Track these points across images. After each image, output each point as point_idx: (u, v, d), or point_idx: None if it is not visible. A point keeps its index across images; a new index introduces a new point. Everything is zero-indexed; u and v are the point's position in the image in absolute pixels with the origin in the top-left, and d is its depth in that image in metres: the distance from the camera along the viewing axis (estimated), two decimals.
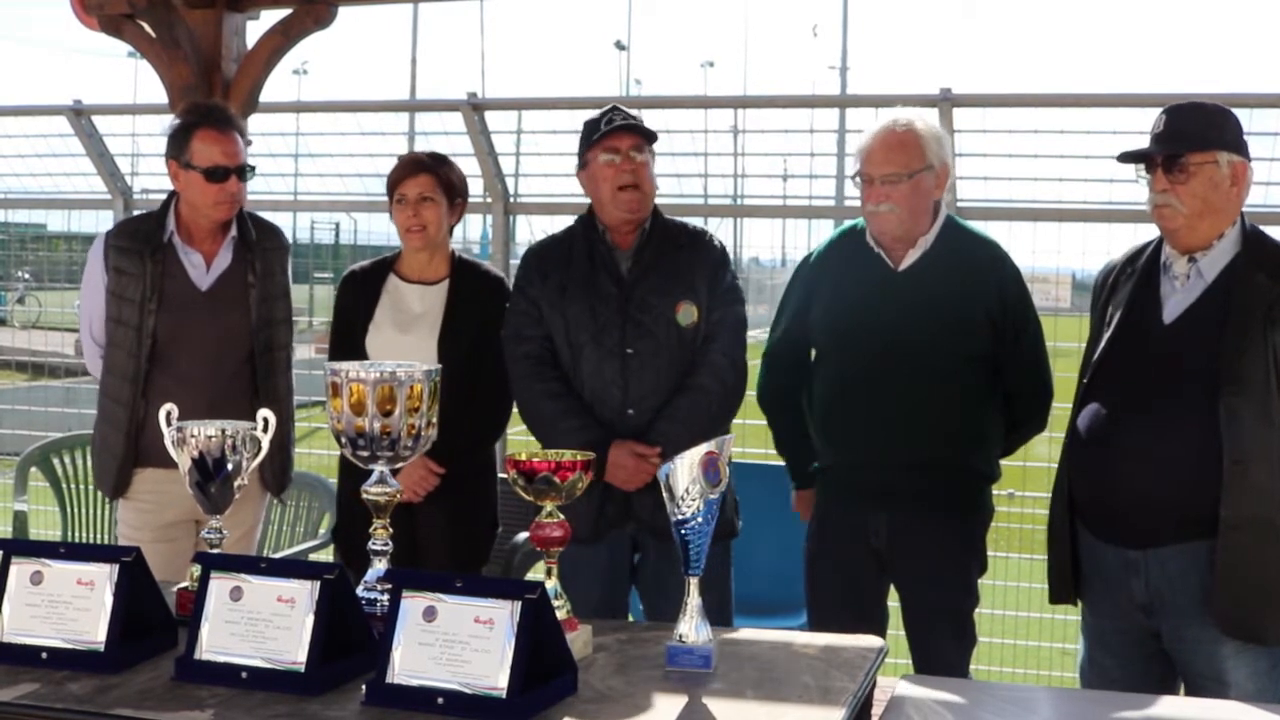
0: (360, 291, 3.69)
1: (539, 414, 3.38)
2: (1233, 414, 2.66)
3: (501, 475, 3.48)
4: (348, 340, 3.65)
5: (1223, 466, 2.66)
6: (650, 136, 3.39)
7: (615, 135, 3.35)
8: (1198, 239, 2.80)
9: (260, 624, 2.19)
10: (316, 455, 6.92)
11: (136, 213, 4.72)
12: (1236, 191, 2.80)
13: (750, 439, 5.42)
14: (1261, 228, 2.90)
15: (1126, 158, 2.87)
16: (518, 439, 5.22)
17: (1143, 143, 2.85)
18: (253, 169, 3.64)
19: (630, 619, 3.60)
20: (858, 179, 3.28)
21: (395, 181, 3.65)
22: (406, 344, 3.57)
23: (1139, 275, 2.90)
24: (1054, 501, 2.99)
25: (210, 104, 3.89)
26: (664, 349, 3.32)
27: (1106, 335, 2.90)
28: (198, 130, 3.55)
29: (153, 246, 3.57)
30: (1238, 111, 2.89)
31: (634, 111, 3.47)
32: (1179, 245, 2.82)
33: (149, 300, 3.53)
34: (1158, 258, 2.89)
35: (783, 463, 3.57)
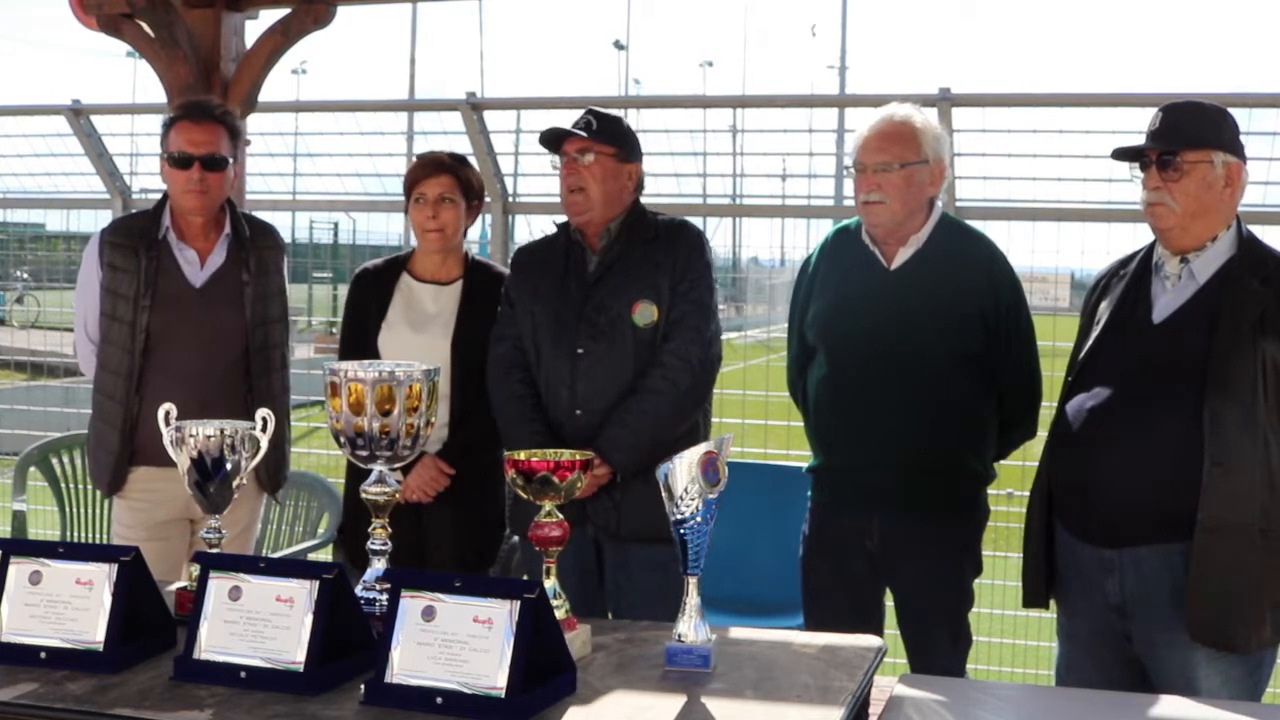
0: (373, 290, 3.69)
1: (502, 416, 3.41)
2: (1217, 417, 2.64)
3: None
4: (359, 338, 3.65)
5: (1203, 469, 2.64)
6: (597, 139, 3.32)
7: (565, 140, 3.35)
8: (1190, 239, 2.79)
9: (259, 624, 2.19)
10: (316, 455, 6.93)
11: (134, 210, 4.72)
12: (1230, 193, 2.78)
13: (750, 439, 5.43)
14: (1261, 228, 2.89)
15: (1121, 154, 2.86)
16: None
17: (1140, 141, 2.84)
18: (226, 161, 3.59)
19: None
20: (851, 169, 3.27)
21: (415, 180, 3.64)
22: (420, 343, 3.57)
23: (1130, 276, 2.89)
24: (1032, 499, 2.97)
25: (197, 99, 3.89)
26: (617, 350, 3.29)
27: (1095, 333, 2.89)
28: (177, 123, 3.57)
29: (147, 243, 3.58)
30: (1238, 111, 2.88)
31: (615, 112, 3.43)
32: (1171, 245, 2.81)
33: (143, 296, 3.54)
34: (1150, 259, 2.88)
35: (781, 462, 3.56)
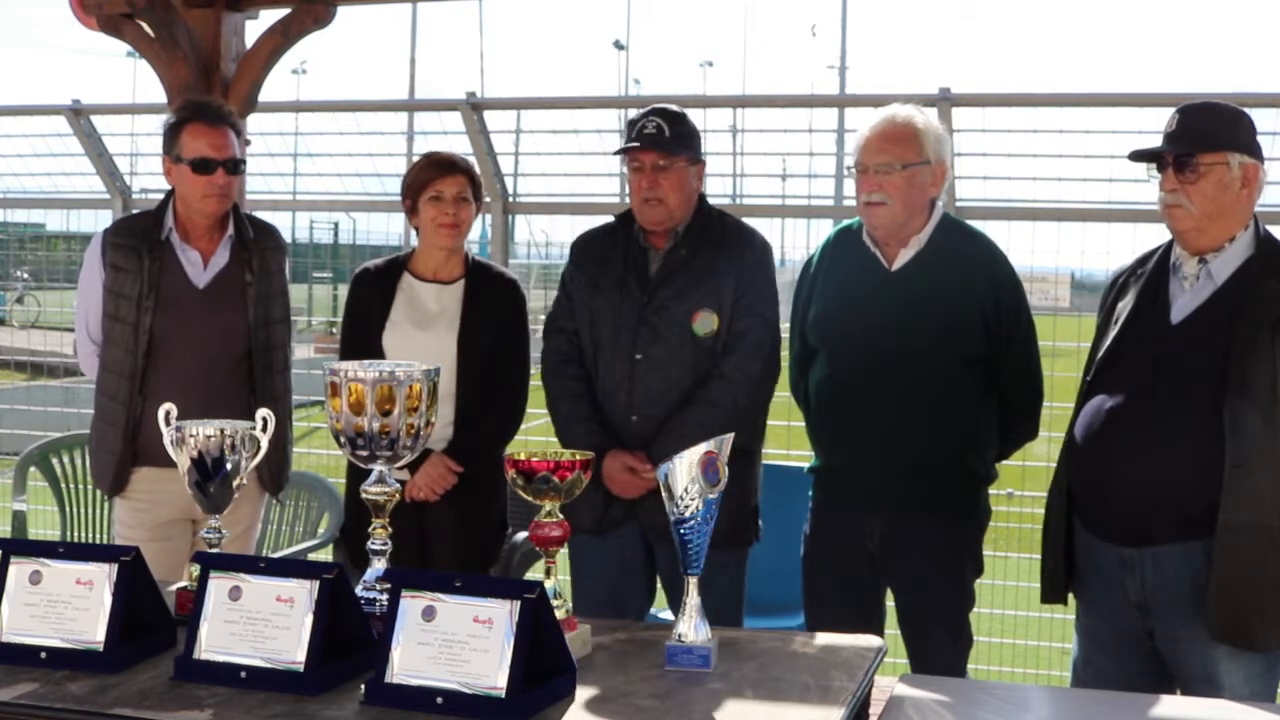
0: (375, 289, 3.69)
1: (555, 411, 3.43)
2: (1237, 418, 2.65)
3: None
4: (361, 338, 3.64)
5: (1224, 470, 2.65)
6: (677, 151, 3.32)
7: (639, 150, 3.32)
8: (1207, 240, 2.79)
9: (259, 624, 2.19)
10: (317, 455, 6.93)
11: (135, 211, 4.72)
12: (1247, 194, 2.78)
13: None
14: (1269, 228, 2.89)
15: (1138, 156, 2.86)
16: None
17: (1144, 142, 2.84)
18: (243, 163, 3.62)
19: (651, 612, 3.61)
20: (852, 169, 3.27)
21: (427, 180, 3.61)
22: (424, 342, 3.57)
23: (1148, 275, 2.89)
24: (1051, 497, 2.98)
25: (202, 100, 3.89)
26: (675, 357, 3.30)
27: (1113, 332, 2.89)
28: (187, 125, 3.56)
29: (150, 244, 3.57)
30: None
31: (674, 108, 3.41)
32: (1189, 246, 2.82)
33: (146, 297, 3.54)
34: (1168, 258, 2.88)
35: (781, 462, 3.56)
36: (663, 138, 3.32)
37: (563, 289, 3.52)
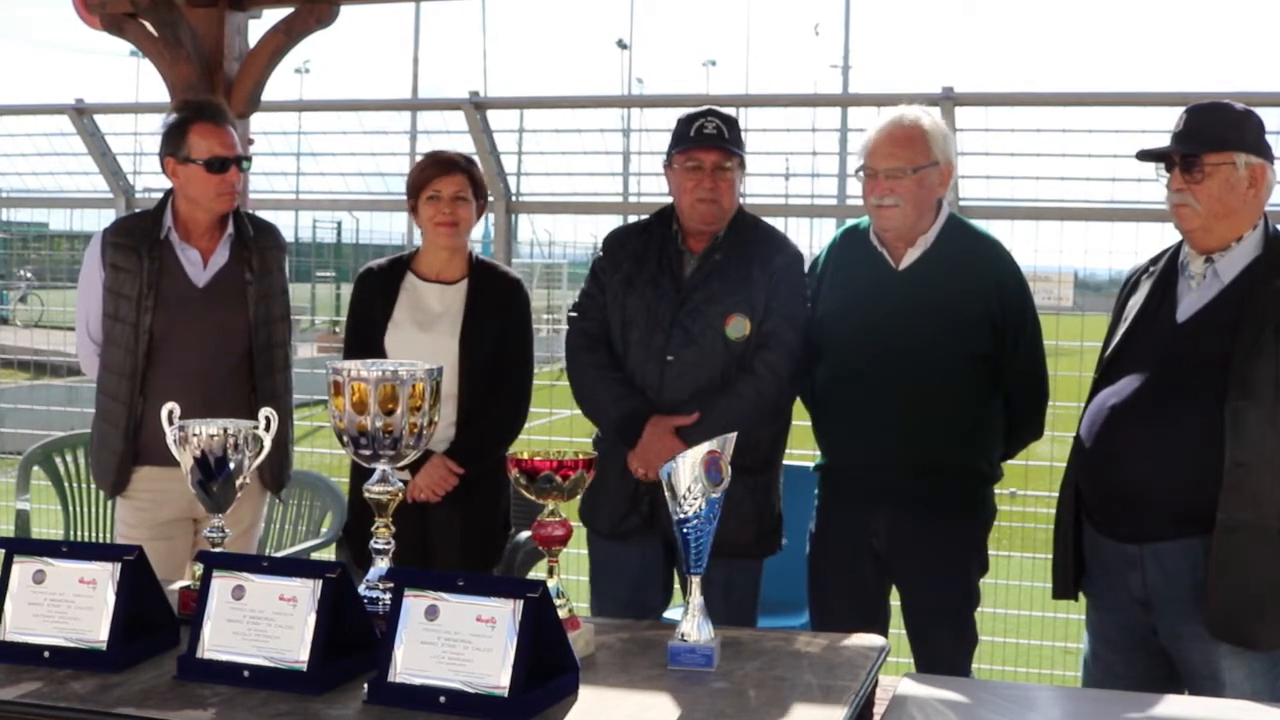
0: (378, 289, 3.69)
1: (583, 383, 3.39)
2: (1238, 417, 2.65)
3: None
4: (365, 338, 3.64)
5: (1223, 468, 2.65)
6: (736, 153, 3.33)
7: (700, 148, 3.31)
8: (1214, 240, 2.79)
9: (262, 623, 2.19)
10: (319, 454, 6.94)
11: (137, 210, 4.72)
12: (1255, 194, 2.78)
13: None
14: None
15: (1145, 156, 2.86)
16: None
17: (1147, 141, 2.84)
18: (249, 160, 3.64)
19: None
20: (861, 173, 3.27)
21: (426, 180, 3.62)
22: (427, 342, 3.57)
23: (1158, 274, 2.90)
24: (1061, 494, 2.99)
25: (201, 100, 3.89)
26: (706, 359, 3.28)
27: (1122, 329, 2.90)
28: (193, 125, 3.56)
29: (150, 243, 3.57)
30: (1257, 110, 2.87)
31: (728, 111, 3.40)
32: (1196, 246, 2.82)
33: (146, 297, 3.54)
34: (1178, 257, 2.89)
35: (786, 461, 3.56)
36: (723, 138, 3.31)
37: (594, 281, 3.49)
